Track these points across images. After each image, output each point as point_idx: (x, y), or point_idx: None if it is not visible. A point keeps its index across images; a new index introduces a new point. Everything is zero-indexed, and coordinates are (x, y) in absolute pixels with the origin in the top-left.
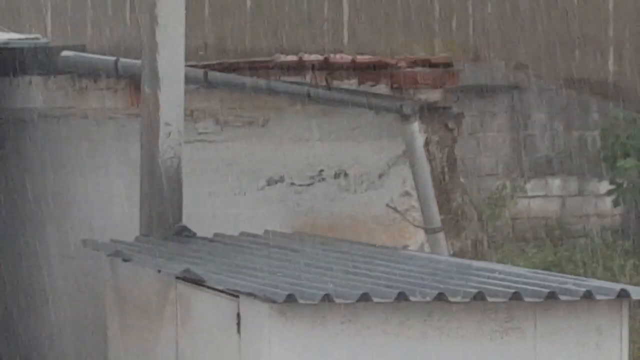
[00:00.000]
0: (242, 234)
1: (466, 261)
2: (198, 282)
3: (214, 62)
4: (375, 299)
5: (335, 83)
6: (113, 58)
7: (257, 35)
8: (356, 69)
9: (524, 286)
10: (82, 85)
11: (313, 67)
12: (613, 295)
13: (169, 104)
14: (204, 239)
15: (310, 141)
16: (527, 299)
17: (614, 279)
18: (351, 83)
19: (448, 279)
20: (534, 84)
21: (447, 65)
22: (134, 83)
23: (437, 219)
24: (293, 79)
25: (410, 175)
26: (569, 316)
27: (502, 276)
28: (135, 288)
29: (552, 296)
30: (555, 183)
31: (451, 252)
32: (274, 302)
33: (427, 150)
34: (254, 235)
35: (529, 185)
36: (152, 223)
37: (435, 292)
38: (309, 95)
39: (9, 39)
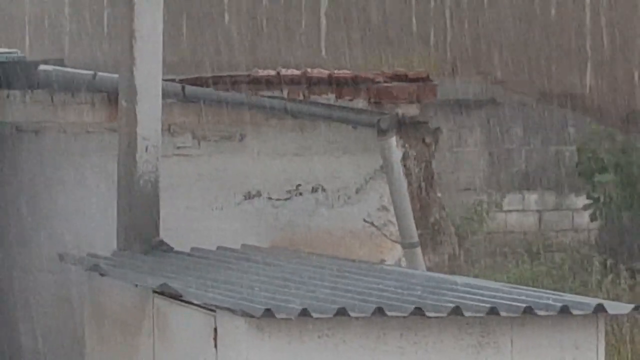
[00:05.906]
0: (219, 248)
1: (443, 276)
2: (175, 297)
3: (192, 76)
4: (353, 314)
5: (313, 98)
6: (91, 72)
7: (235, 50)
8: (334, 83)
9: (500, 301)
10: (59, 99)
11: (290, 81)
12: (590, 310)
13: (146, 119)
14: (181, 253)
15: (287, 156)
16: (503, 314)
17: (591, 293)
18: (329, 98)
19: (425, 294)
20: (511, 99)
21: (425, 79)
22: (112, 97)
23: (414, 233)
24: (270, 93)
25: (387, 190)
26: (545, 331)
27: (479, 291)
28: (113, 302)
29: (528, 311)
30: (532, 198)
31: (428, 266)
32: (251, 316)
33: (404, 165)
34: (232, 250)
35: (505, 200)
36: (130, 237)
37: (412, 306)
38: (286, 109)
39: None
